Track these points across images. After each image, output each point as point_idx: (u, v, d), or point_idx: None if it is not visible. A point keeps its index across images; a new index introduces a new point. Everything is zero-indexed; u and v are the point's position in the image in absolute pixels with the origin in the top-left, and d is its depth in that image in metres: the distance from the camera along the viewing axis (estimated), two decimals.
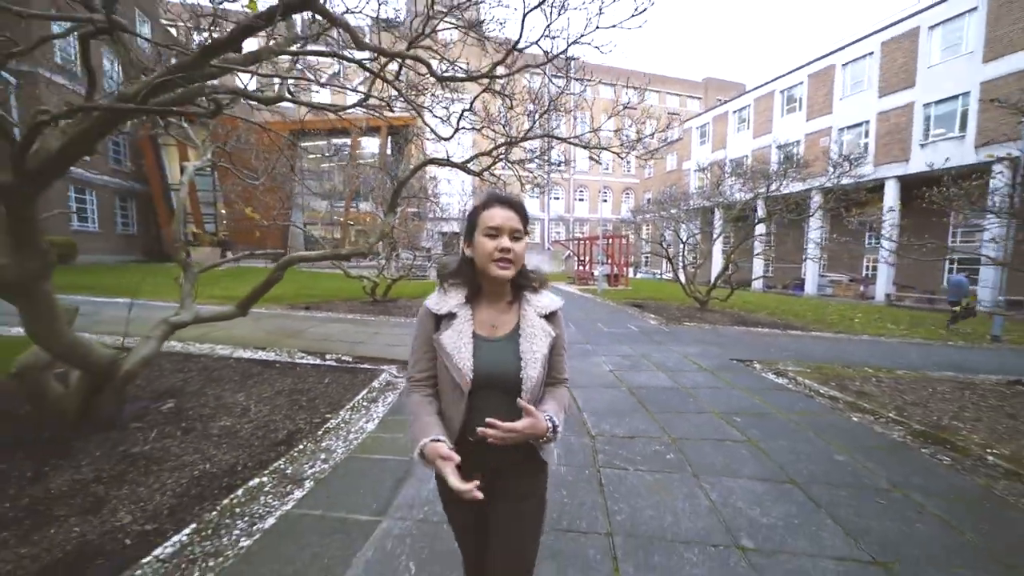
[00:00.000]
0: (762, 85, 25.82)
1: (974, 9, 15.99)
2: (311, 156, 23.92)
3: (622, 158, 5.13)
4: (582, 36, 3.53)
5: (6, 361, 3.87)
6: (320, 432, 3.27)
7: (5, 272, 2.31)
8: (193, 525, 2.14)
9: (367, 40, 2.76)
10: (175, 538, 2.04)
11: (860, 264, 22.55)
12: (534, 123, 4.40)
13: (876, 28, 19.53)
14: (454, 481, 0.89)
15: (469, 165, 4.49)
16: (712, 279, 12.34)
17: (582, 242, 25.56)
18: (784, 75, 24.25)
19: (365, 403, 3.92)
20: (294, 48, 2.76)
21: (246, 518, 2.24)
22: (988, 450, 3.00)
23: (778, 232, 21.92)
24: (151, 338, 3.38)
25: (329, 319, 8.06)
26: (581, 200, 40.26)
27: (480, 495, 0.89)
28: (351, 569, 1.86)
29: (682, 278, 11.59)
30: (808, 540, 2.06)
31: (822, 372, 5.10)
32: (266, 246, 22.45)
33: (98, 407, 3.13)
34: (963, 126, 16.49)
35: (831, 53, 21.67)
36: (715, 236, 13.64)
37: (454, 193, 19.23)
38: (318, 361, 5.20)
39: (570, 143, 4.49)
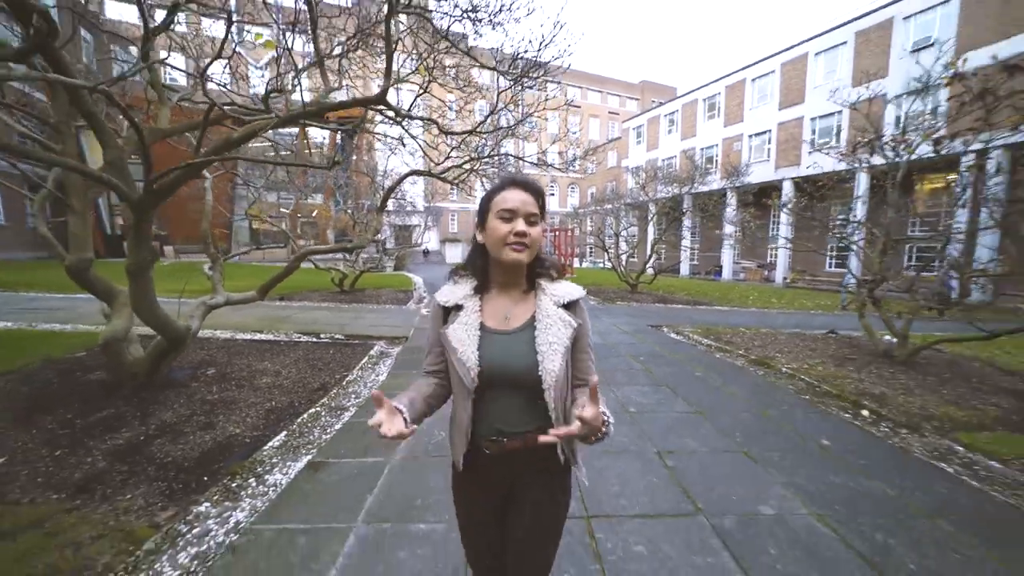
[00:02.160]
0: (688, 93, 28.83)
1: (845, 43, 19.51)
2: (253, 144, 23.12)
3: (564, 172, 6.51)
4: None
5: (51, 347, 4.58)
6: (344, 382, 4.36)
7: (130, 261, 3.18)
8: (284, 433, 3.22)
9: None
10: (276, 439, 3.12)
11: (766, 253, 26.40)
12: (487, 139, 5.62)
13: (777, 51, 22.86)
14: (373, 419, 0.85)
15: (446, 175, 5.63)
16: (644, 267, 14.50)
17: None
18: (705, 85, 27.33)
19: (370, 365, 5.02)
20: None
21: (317, 428, 3.35)
22: (785, 367, 4.84)
23: (701, 225, 25.12)
24: (194, 316, 4.24)
25: (307, 308, 8.79)
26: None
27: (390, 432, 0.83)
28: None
29: (616, 266, 13.51)
30: (667, 408, 3.61)
31: (708, 331, 6.98)
32: (193, 237, 21.63)
33: (159, 371, 3.98)
34: (838, 138, 20.11)
35: (743, 68, 24.88)
36: (648, 229, 15.86)
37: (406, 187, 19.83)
38: (315, 339, 6.13)
39: (524, 161, 5.78)
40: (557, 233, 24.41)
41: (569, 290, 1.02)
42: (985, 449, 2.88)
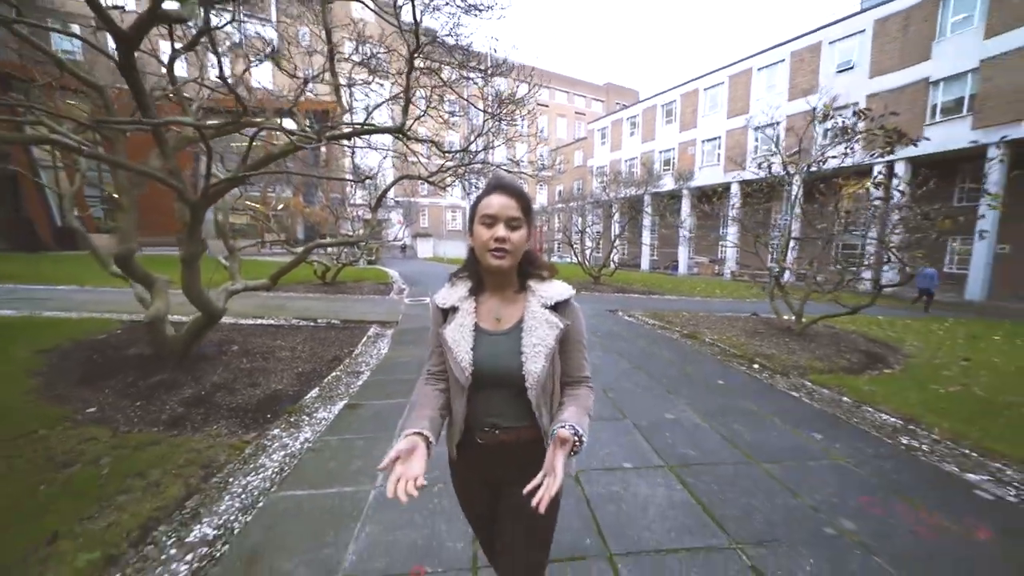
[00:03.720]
0: (649, 98, 30.66)
1: (783, 61, 21.76)
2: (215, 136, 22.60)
3: (534, 176, 7.52)
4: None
5: (71, 331, 5.13)
6: (353, 355, 5.20)
7: (185, 252, 3.90)
8: (317, 388, 4.06)
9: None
10: (312, 392, 3.97)
11: (717, 249, 28.81)
12: (475, 142, 6.55)
13: (724, 64, 24.95)
14: (385, 460, 0.85)
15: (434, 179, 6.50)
16: (644, 262, 15.93)
17: None
18: (664, 92, 29.21)
19: (371, 342, 5.86)
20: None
21: (342, 385, 4.21)
22: (708, 338, 6.14)
23: (660, 223, 27.16)
24: (219, 299, 4.93)
25: (296, 298, 9.37)
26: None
27: (404, 497, 0.81)
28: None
29: (580, 259, 14.79)
30: (614, 366, 4.75)
31: (655, 314, 8.29)
32: (171, 232, 21.10)
33: (193, 347, 4.66)
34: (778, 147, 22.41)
35: (696, 79, 26.87)
36: (611, 226, 17.34)
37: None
38: (314, 323, 6.85)
39: (502, 169, 6.75)
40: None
41: (558, 291, 1.03)
42: (822, 382, 4.21)
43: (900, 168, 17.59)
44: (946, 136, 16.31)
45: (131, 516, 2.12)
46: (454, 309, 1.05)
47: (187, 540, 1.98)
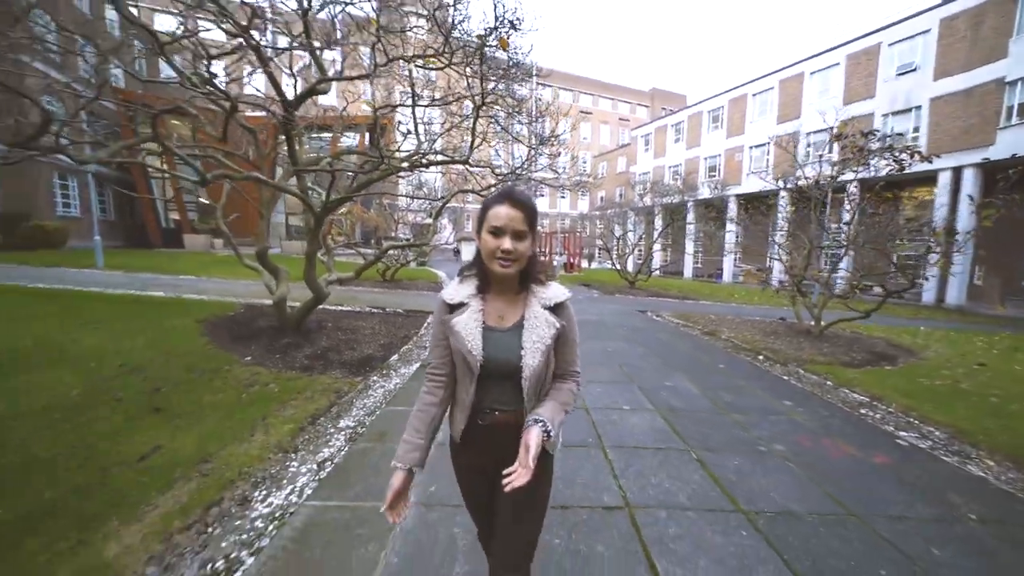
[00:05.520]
0: (694, 104, 30.55)
1: (838, 64, 21.18)
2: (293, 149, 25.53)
3: (573, 190, 8.51)
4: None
5: (209, 309, 6.66)
6: (418, 334, 6.47)
7: (309, 249, 5.34)
8: (396, 355, 5.33)
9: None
10: (393, 357, 5.23)
11: (765, 259, 28.05)
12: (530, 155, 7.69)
13: (775, 68, 24.53)
14: (387, 501, 1.09)
15: (483, 193, 7.71)
16: (654, 267, 16.48)
17: (543, 236, 29.29)
18: (710, 98, 29.04)
19: (431, 326, 7.14)
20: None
21: (414, 353, 5.45)
22: (725, 335, 6.82)
23: (705, 231, 26.99)
24: (324, 287, 6.38)
25: (364, 291, 10.98)
26: (541, 196, 43.90)
27: (394, 520, 1.09)
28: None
29: (617, 265, 15.51)
30: (633, 352, 5.65)
31: (682, 315, 8.97)
32: (246, 232, 24.30)
33: (304, 322, 6.12)
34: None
35: (745, 84, 26.55)
36: (652, 232, 17.91)
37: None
38: (384, 311, 8.27)
39: (545, 183, 7.81)
40: (566, 236, 26.53)
41: (556, 293, 1.15)
42: (814, 370, 4.87)
43: (969, 175, 16.72)
44: (1018, 141, 15.35)
45: (302, 412, 3.40)
46: (462, 305, 1.14)
47: (339, 426, 3.22)
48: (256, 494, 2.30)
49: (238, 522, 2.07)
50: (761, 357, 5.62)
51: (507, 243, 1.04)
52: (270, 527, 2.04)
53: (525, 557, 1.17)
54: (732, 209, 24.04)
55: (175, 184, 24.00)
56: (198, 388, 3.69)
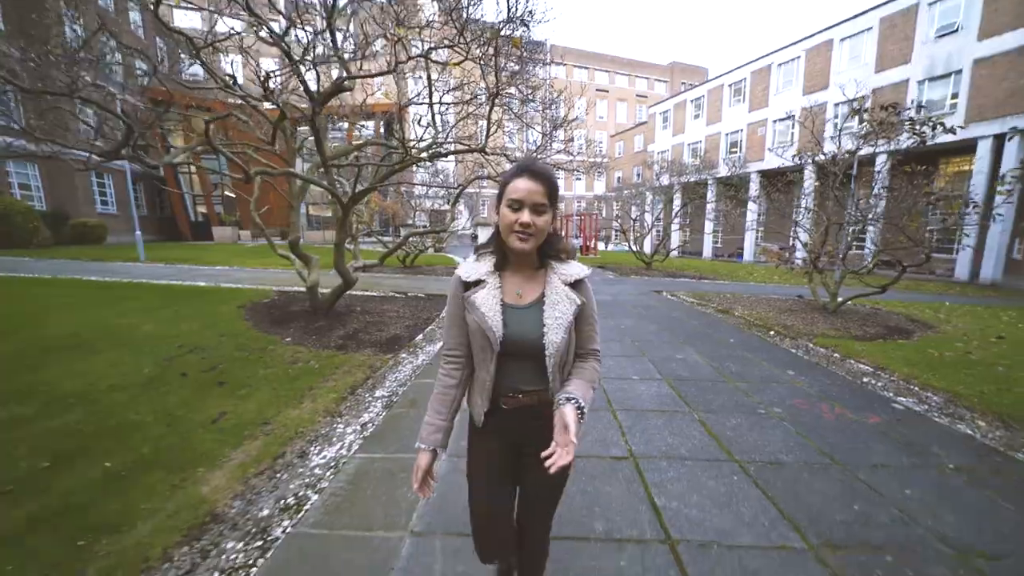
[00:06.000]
0: (715, 78, 29.47)
1: (870, 29, 20.06)
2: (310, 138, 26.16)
3: (588, 174, 8.60)
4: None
5: (247, 296, 7.09)
6: (440, 315, 6.84)
7: (338, 239, 5.73)
8: (421, 335, 5.71)
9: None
10: (418, 336, 5.62)
11: (787, 237, 27.30)
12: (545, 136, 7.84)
13: (803, 36, 23.39)
14: (416, 480, 1.15)
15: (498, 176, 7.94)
16: (672, 247, 16.37)
17: (560, 219, 29.23)
18: (731, 71, 27.97)
19: None
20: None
21: (438, 331, 5.82)
22: (739, 313, 6.94)
23: (726, 209, 26.43)
24: (352, 273, 6.81)
25: (385, 277, 11.44)
26: (557, 179, 43.56)
27: (425, 494, 1.17)
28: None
29: (634, 247, 15.53)
30: (645, 328, 5.89)
31: (697, 294, 9.08)
32: (272, 223, 25.27)
33: (334, 306, 6.57)
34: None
35: (768, 54, 25.44)
36: (671, 212, 17.77)
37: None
38: (406, 295, 8.69)
39: (560, 167, 7.95)
40: (583, 218, 26.42)
41: (576, 270, 1.12)
42: (823, 344, 5.01)
43: (1014, 143, 15.80)
44: None
45: (342, 384, 3.82)
46: (479, 282, 1.11)
47: (375, 395, 3.61)
48: (312, 449, 2.70)
49: (300, 470, 2.47)
50: (772, 332, 5.77)
51: (526, 216, 1.01)
52: (327, 473, 2.43)
53: (548, 529, 1.27)
54: (754, 187, 23.42)
55: (203, 179, 25.06)
56: (251, 364, 4.15)
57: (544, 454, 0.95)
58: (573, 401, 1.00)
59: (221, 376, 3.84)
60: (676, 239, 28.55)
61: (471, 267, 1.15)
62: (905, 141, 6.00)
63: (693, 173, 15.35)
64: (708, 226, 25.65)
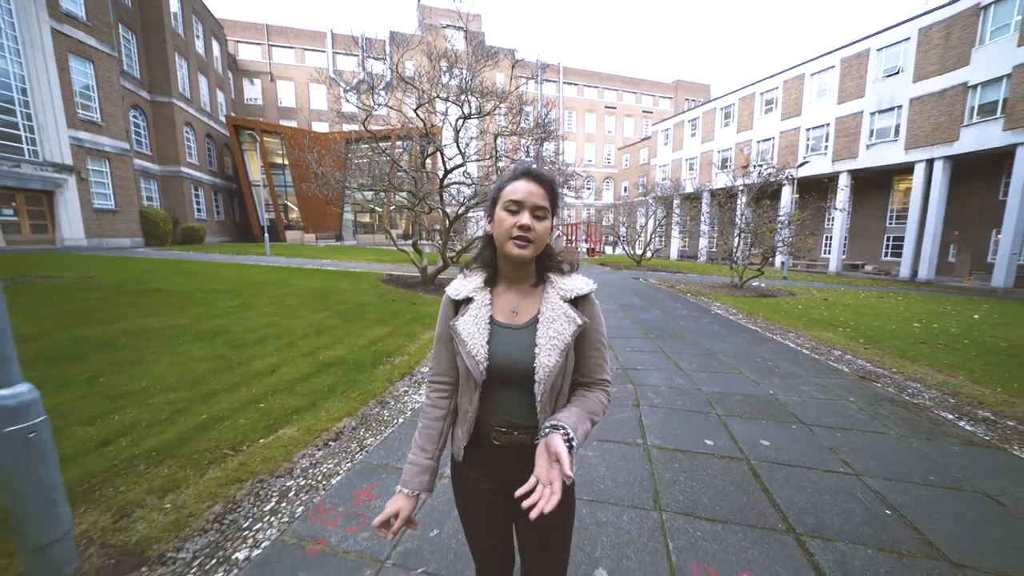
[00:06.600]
0: (708, 101, 33.50)
1: (832, 67, 23.97)
2: (361, 159, 31.00)
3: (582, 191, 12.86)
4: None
5: (372, 276, 11.69)
6: None
7: (443, 245, 10.24)
8: None
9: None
10: None
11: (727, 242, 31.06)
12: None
13: (778, 70, 27.32)
14: (378, 518, 0.96)
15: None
16: (672, 252, 20.55)
17: (569, 225, 33.66)
18: (722, 96, 31.97)
19: None
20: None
21: None
22: (678, 289, 11.20)
23: (719, 216, 30.41)
24: (432, 266, 11.28)
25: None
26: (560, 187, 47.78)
27: (388, 536, 0.96)
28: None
29: (628, 249, 19.90)
30: (627, 299, 10.20)
31: (664, 281, 13.35)
32: (325, 228, 30.26)
33: (434, 279, 11.04)
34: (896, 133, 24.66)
35: (754, 83, 29.39)
36: (651, 222, 22.16)
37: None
38: None
39: (577, 172, 12.25)
40: (590, 225, 30.83)
41: (579, 284, 0.98)
42: (708, 296, 9.28)
43: (939, 166, 19.55)
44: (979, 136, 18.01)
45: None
46: (468, 300, 1.00)
47: None
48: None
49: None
50: (689, 296, 10.02)
51: (526, 218, 0.90)
52: None
53: (564, 567, 1.07)
54: (705, 204, 27.36)
55: (273, 191, 30.04)
56: (409, 304, 8.59)
57: (519, 493, 0.79)
58: (561, 431, 0.85)
59: (394, 306, 8.27)
60: (676, 245, 32.71)
61: (459, 284, 1.04)
62: (756, 179, 10.21)
63: (670, 191, 19.73)
64: (675, 231, 29.44)
